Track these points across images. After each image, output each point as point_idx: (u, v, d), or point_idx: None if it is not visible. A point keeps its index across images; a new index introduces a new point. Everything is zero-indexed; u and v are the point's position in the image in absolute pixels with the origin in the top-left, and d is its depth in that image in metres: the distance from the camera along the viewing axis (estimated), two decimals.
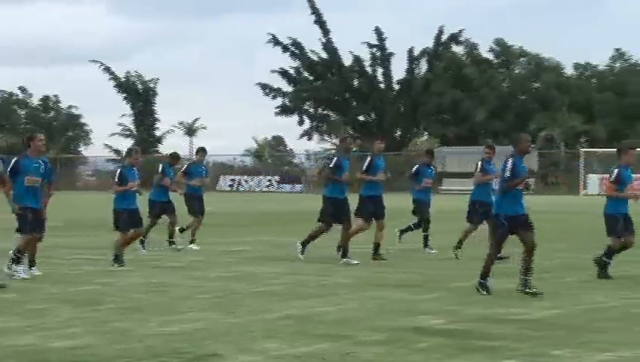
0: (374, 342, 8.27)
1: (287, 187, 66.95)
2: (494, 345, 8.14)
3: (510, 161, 11.38)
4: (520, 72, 73.30)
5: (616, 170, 13.25)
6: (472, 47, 74.08)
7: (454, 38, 74.53)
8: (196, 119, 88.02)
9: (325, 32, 75.35)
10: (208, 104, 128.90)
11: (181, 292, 11.65)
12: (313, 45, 76.02)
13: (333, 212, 15.48)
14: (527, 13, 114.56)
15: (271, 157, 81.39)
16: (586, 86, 70.88)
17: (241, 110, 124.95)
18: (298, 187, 67.06)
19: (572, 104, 67.46)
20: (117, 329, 8.87)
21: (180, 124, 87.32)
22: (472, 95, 70.50)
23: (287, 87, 77.12)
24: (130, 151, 15.64)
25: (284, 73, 76.58)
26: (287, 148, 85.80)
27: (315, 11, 74.94)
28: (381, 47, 75.36)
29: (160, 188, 17.94)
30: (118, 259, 14.72)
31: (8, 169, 12.87)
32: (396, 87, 76.14)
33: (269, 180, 68.35)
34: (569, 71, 73.23)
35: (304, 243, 15.71)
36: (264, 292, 11.64)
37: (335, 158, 15.80)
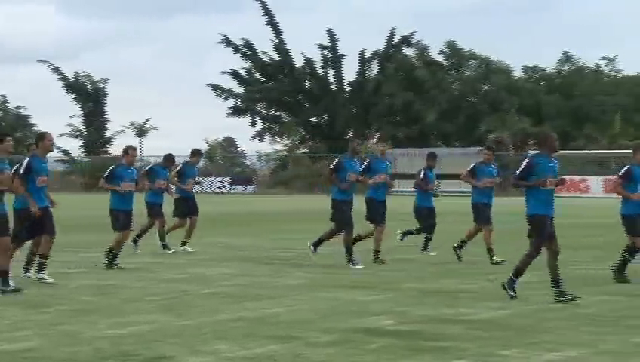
0: (325, 343, 8.30)
1: (239, 188, 66.80)
2: (444, 345, 8.21)
3: (526, 160, 11.14)
4: (470, 75, 73.96)
5: (627, 166, 12.93)
6: (423, 50, 74.57)
7: (406, 40, 74.94)
8: (147, 120, 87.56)
9: (277, 33, 75.34)
10: (159, 105, 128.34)
11: (132, 294, 11.59)
12: (265, 46, 76.08)
13: (342, 216, 15.00)
14: (478, 15, 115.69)
15: (222, 158, 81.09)
16: (535, 88, 71.75)
17: (193, 111, 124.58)
18: (250, 188, 66.95)
19: (521, 106, 68.25)
20: (66, 332, 8.80)
21: (131, 124, 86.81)
22: (423, 97, 70.97)
23: (239, 89, 77.02)
24: (126, 149, 15.25)
25: (235, 74, 76.40)
26: (239, 150, 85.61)
27: (267, 12, 74.91)
28: (333, 48, 75.53)
29: (157, 190, 17.73)
30: (114, 259, 14.65)
31: (22, 169, 12.56)
32: (348, 88, 76.38)
33: (221, 181, 68.11)
34: (518, 73, 74.20)
35: (348, 253, 15.04)
36: (216, 294, 11.62)
37: (336, 160, 15.48)
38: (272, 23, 75.14)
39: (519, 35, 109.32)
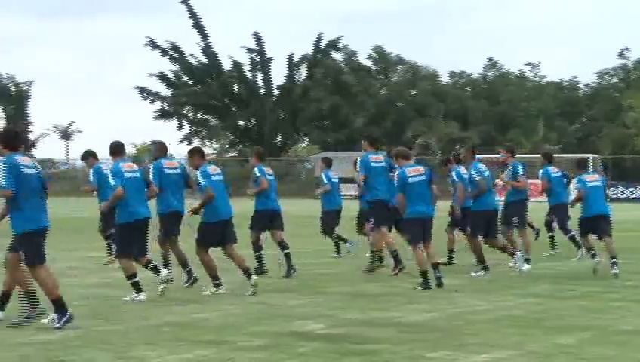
0: (255, 348, 8.28)
1: None
2: (373, 348, 8.25)
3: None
4: (397, 80, 74.56)
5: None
6: (350, 54, 74.93)
7: (333, 44, 75.17)
8: (72, 122, 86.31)
9: (204, 36, 74.87)
10: (83, 107, 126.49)
11: None
12: (192, 49, 75.55)
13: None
14: (403, 21, 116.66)
15: (150, 162, 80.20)
16: (461, 94, 72.66)
17: (119, 114, 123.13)
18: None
19: (447, 112, 69.04)
20: None
21: (55, 127, 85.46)
22: (351, 101, 71.34)
23: (166, 91, 76.32)
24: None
25: (162, 77, 75.68)
26: (168, 154, 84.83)
27: (193, 15, 74.40)
28: (260, 52, 75.35)
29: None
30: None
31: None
32: (276, 92, 76.32)
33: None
34: (444, 79, 75.04)
35: (482, 267, 14.15)
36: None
37: (514, 166, 15.06)
38: (198, 26, 74.64)
39: (444, 40, 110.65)
